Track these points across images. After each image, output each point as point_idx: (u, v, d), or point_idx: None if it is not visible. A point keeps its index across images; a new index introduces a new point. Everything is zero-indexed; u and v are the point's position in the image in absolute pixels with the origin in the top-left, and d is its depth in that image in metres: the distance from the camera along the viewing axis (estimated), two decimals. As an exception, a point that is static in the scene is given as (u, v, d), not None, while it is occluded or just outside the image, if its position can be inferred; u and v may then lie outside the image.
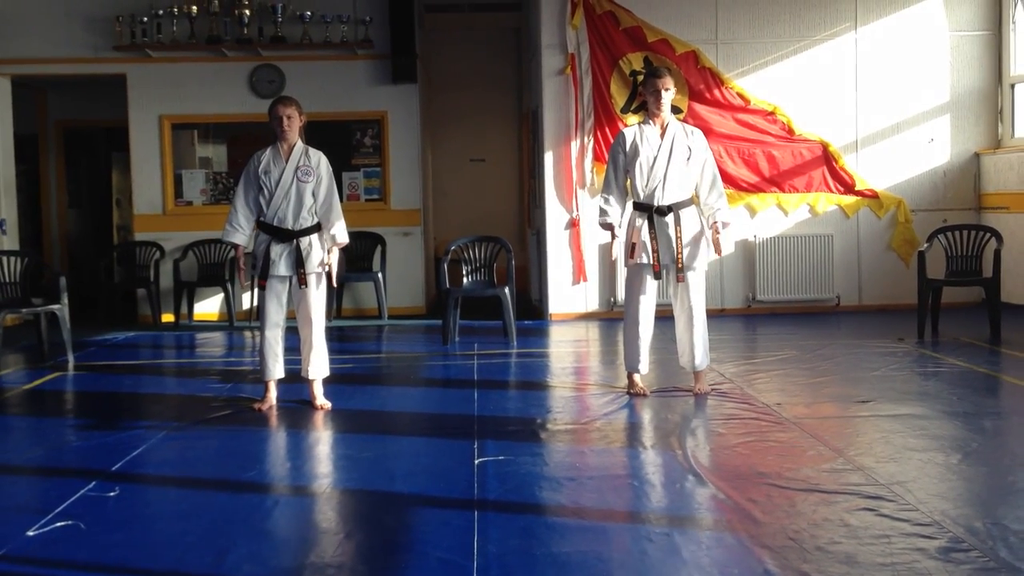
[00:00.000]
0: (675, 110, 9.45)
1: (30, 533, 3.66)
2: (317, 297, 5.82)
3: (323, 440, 5.29)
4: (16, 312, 8.18)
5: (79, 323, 8.16)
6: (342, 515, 3.93)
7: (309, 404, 5.80)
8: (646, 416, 5.43)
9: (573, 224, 9.50)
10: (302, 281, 5.69)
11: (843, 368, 6.73)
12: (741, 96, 9.52)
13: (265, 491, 4.25)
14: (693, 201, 5.88)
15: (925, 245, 8.24)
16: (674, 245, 5.73)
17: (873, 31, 9.62)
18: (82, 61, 10.21)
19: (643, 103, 9.47)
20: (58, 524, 3.75)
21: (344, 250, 10.32)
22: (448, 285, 8.42)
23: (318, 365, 5.83)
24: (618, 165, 5.88)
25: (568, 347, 8.16)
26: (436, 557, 3.31)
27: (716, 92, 9.49)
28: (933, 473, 4.22)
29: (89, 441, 5.18)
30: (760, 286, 9.64)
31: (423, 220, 10.74)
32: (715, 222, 5.80)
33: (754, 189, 9.57)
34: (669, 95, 5.78)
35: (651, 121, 5.86)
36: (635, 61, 9.51)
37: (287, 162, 5.73)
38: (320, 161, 5.80)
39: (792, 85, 9.57)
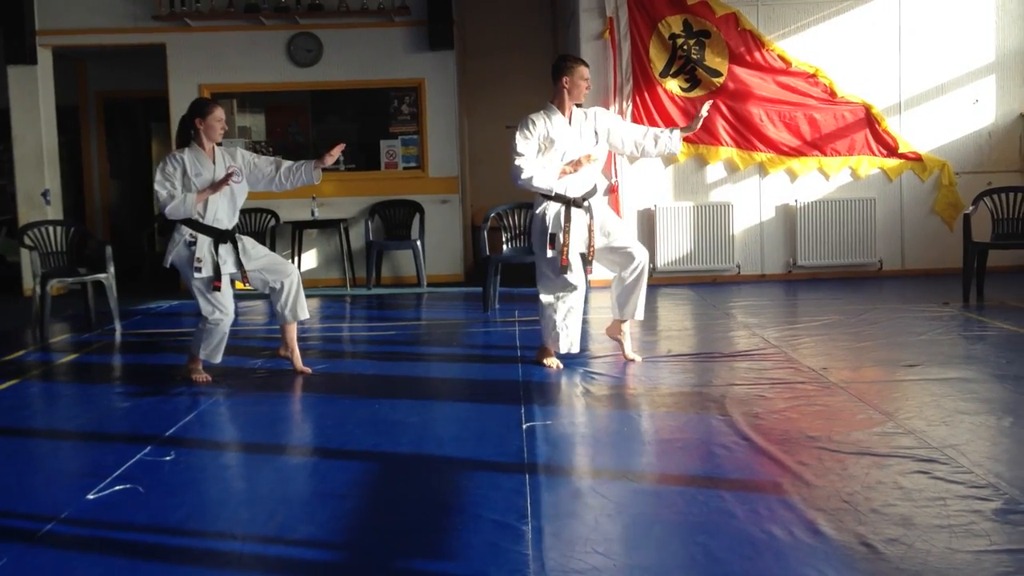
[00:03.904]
0: (715, 73, 9.40)
1: (90, 497, 3.72)
2: (271, 252, 5.94)
3: (370, 406, 5.33)
4: (63, 281, 8.30)
5: (122, 292, 8.27)
6: (395, 478, 3.97)
7: (290, 365, 5.92)
8: (690, 381, 5.43)
9: (612, 190, 9.45)
10: (245, 279, 5.71)
11: (888, 332, 6.68)
12: (782, 58, 9.42)
13: (317, 455, 4.30)
14: (597, 188, 5.80)
15: (970, 208, 8.13)
16: (587, 237, 5.67)
17: (917, -10, 9.46)
18: (122, 31, 10.29)
19: (680, 68, 9.47)
20: (117, 488, 3.82)
21: (383, 218, 10.43)
22: (488, 252, 8.42)
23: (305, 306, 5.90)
24: (532, 147, 5.61)
25: (608, 313, 8.11)
26: (490, 519, 3.34)
27: (757, 55, 9.39)
28: (985, 436, 4.19)
29: (141, 407, 5.26)
30: (801, 251, 9.57)
31: (461, 188, 10.74)
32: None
33: (795, 153, 9.48)
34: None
35: (558, 110, 5.68)
36: (674, 24, 9.41)
37: (215, 164, 5.65)
38: (239, 155, 5.76)
39: (834, 47, 9.45)
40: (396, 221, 10.48)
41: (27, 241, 7.92)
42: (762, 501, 3.43)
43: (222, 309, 5.64)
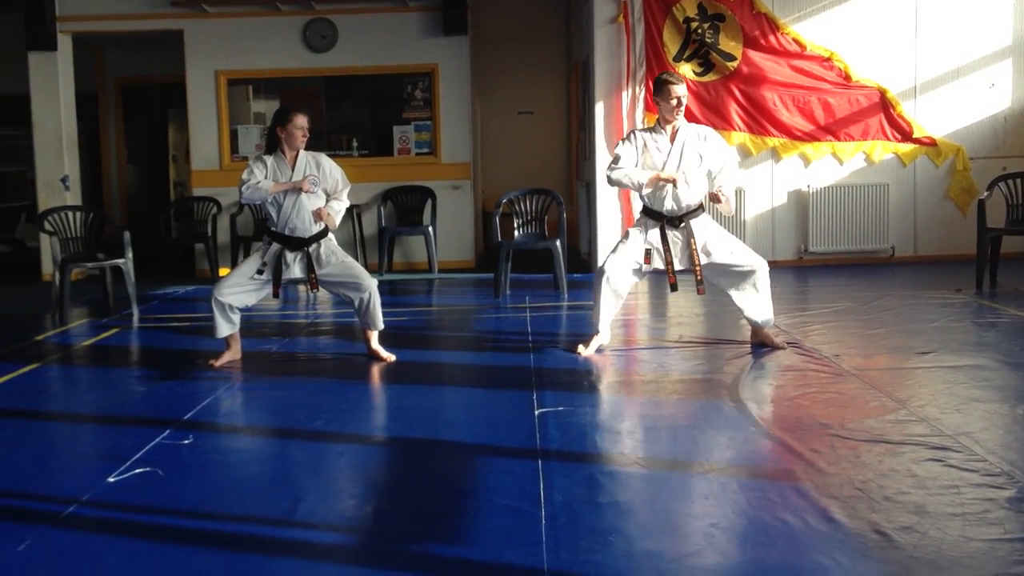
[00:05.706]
0: (729, 57, 9.37)
1: (111, 480, 3.78)
2: (352, 263, 5.89)
3: (383, 391, 5.38)
4: (82, 266, 8.37)
5: (139, 277, 8.33)
6: (409, 464, 4.01)
7: (371, 357, 5.89)
8: (701, 368, 5.45)
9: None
10: (313, 286, 5.74)
11: (900, 319, 6.68)
12: (797, 42, 9.38)
13: (333, 440, 4.34)
14: (703, 207, 5.78)
15: (985, 194, 8.10)
16: (692, 257, 5.67)
17: (933, -26, 9.40)
18: (140, 17, 10.33)
19: (694, 52, 9.44)
20: (137, 471, 3.87)
21: (395, 204, 10.45)
22: (500, 238, 8.44)
23: (381, 317, 5.90)
24: (628, 154, 5.70)
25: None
26: (503, 505, 3.37)
27: (771, 38, 9.36)
28: (999, 424, 4.20)
29: (159, 391, 5.32)
30: (813, 237, 9.56)
31: (473, 174, 10.76)
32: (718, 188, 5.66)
33: (808, 138, 9.45)
34: (684, 103, 5.66)
35: (661, 128, 5.73)
36: (688, 7, 9.38)
37: (293, 171, 5.73)
38: (322, 165, 5.81)
39: (850, 30, 9.41)
40: (408, 207, 10.51)
41: (47, 227, 7.98)
42: (775, 488, 3.45)
43: (229, 290, 5.69)
